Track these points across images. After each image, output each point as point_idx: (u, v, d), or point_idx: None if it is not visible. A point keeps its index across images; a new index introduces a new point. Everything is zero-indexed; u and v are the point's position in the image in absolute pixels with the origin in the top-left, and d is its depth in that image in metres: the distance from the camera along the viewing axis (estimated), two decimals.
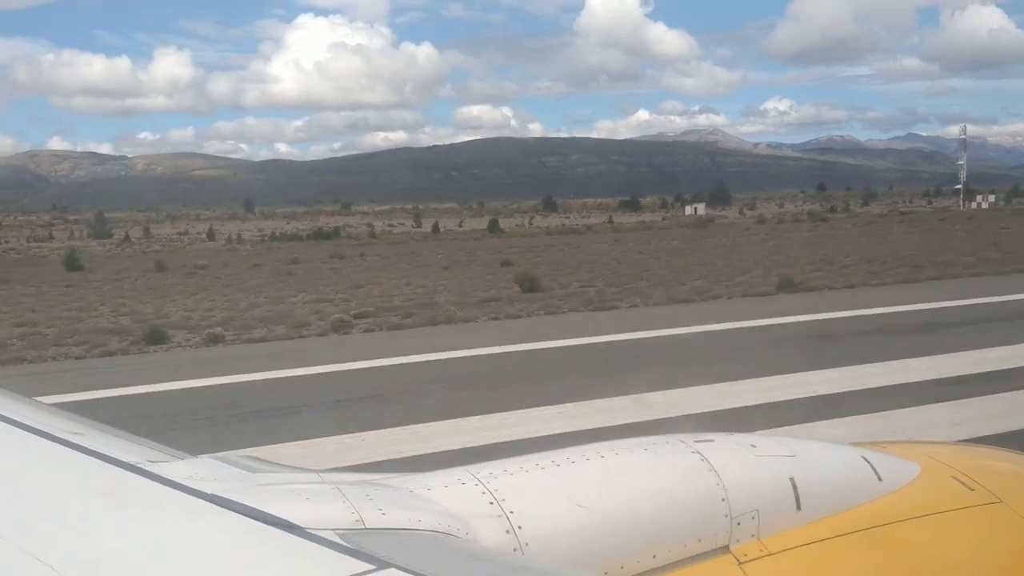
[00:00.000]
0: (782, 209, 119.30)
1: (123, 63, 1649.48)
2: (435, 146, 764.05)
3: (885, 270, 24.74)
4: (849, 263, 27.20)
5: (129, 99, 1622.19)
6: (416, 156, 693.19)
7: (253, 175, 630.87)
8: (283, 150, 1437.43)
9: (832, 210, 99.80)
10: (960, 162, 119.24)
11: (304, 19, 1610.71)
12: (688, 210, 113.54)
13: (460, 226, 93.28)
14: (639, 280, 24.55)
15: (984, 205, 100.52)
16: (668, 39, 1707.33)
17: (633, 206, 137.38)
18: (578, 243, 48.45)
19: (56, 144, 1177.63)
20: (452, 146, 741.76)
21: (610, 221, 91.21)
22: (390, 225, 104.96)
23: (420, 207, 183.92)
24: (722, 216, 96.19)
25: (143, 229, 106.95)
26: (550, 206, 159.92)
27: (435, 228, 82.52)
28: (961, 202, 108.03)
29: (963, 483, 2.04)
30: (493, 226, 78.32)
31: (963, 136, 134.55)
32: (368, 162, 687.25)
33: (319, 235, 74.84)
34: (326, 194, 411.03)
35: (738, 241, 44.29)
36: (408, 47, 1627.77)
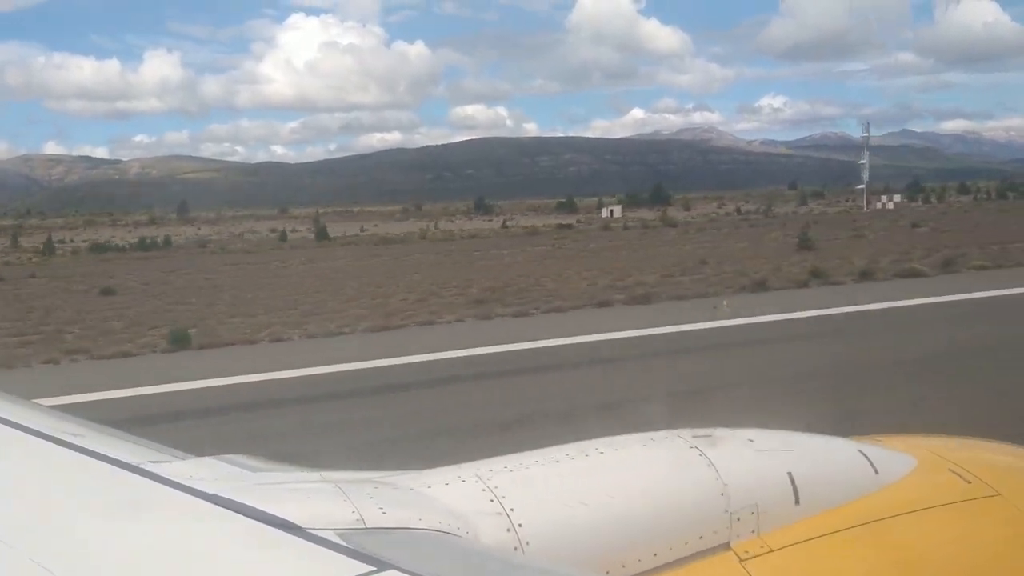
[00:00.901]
0: (720, 209, 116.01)
1: (114, 66, 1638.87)
2: (427, 147, 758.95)
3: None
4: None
5: (122, 102, 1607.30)
6: (409, 157, 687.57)
7: (244, 178, 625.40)
8: (279, 152, 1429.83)
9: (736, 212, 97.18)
10: (862, 161, 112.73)
11: (295, 19, 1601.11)
12: (604, 212, 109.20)
13: (362, 231, 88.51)
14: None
15: (889, 206, 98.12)
16: (661, 35, 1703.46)
17: (570, 207, 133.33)
18: (356, 256, 43.29)
19: (52, 148, 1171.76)
20: (445, 147, 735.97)
21: (504, 226, 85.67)
22: (293, 231, 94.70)
23: (356, 210, 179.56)
24: (637, 219, 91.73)
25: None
26: (481, 208, 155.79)
27: (321, 235, 73.78)
28: (864, 203, 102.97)
29: (960, 476, 2.02)
30: (322, 234, 72.70)
31: (866, 135, 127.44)
32: (361, 163, 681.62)
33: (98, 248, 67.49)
34: (317, 197, 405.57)
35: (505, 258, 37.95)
36: (401, 46, 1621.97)
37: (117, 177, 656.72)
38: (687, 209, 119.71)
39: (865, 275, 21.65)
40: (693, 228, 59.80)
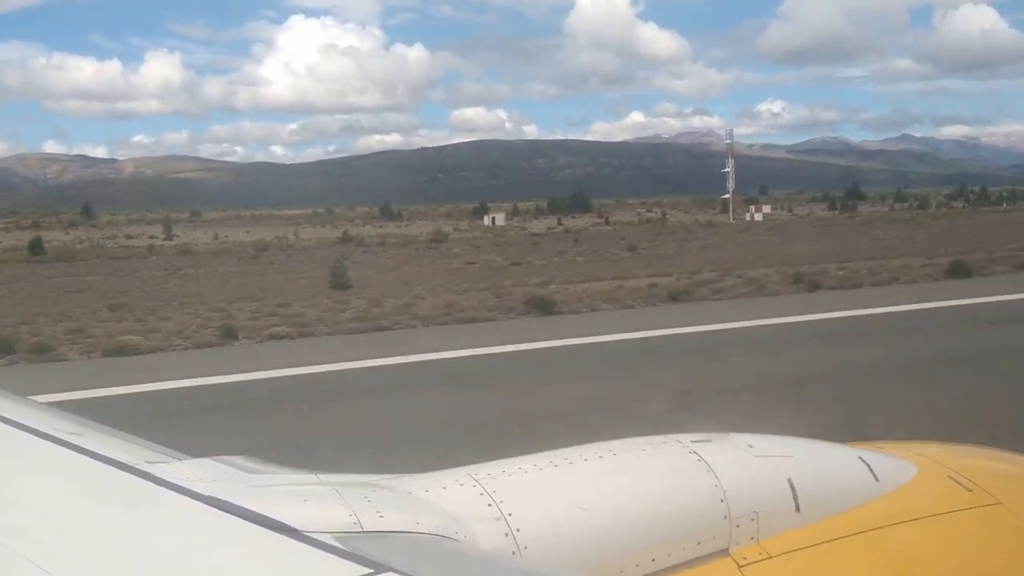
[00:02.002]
0: (638, 215, 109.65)
1: (114, 66, 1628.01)
2: (423, 149, 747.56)
3: None
4: None
5: (122, 102, 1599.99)
6: (403, 159, 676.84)
7: (234, 178, 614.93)
8: (279, 153, 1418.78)
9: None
10: (726, 169, 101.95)
11: (295, 21, 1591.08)
12: (486, 220, 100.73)
13: (216, 239, 77.11)
14: None
15: (757, 217, 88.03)
16: (660, 40, 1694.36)
17: (482, 211, 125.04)
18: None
19: (51, 147, 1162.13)
20: (440, 148, 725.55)
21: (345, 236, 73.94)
22: (151, 237, 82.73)
23: (334, 211, 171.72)
24: (521, 227, 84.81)
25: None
26: (387, 214, 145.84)
27: (35, 248, 54.88)
28: (731, 214, 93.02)
29: (961, 484, 2.00)
30: (35, 247, 55.00)
31: (729, 141, 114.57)
32: (354, 165, 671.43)
33: None
34: (309, 197, 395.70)
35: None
36: (400, 49, 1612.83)
37: (112, 176, 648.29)
38: (600, 216, 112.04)
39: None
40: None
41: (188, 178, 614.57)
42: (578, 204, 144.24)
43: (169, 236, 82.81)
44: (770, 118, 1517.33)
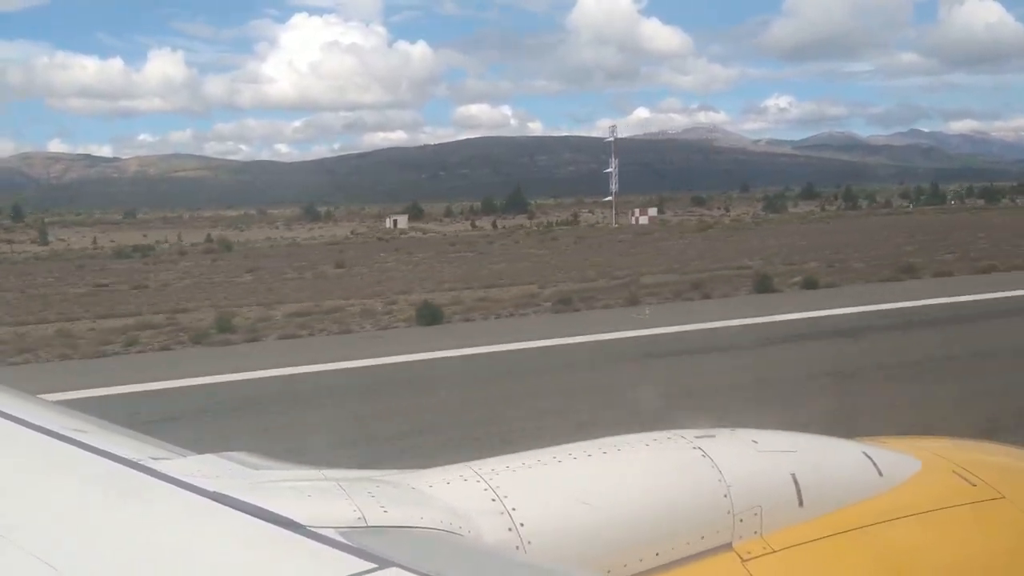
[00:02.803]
0: (588, 216, 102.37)
1: (118, 65, 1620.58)
2: (425, 146, 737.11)
3: None
4: None
5: (126, 101, 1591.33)
6: (405, 156, 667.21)
7: (234, 176, 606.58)
8: (284, 151, 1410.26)
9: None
10: (609, 169, 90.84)
11: (298, 19, 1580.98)
12: (388, 223, 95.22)
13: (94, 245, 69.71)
14: None
15: (642, 220, 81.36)
16: (663, 35, 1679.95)
17: (416, 214, 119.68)
18: None
19: (56, 146, 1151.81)
20: (442, 145, 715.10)
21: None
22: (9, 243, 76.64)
23: (322, 209, 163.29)
24: (420, 230, 79.45)
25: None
26: (312, 214, 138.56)
27: None
28: (614, 217, 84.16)
29: (965, 478, 1.99)
30: None
31: (612, 138, 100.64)
32: (356, 163, 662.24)
33: None
34: (308, 195, 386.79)
35: None
36: (403, 46, 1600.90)
37: (116, 175, 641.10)
38: (531, 218, 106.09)
39: None
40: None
41: (186, 176, 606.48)
42: (514, 204, 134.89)
43: (44, 242, 76.08)
44: (777, 113, 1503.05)
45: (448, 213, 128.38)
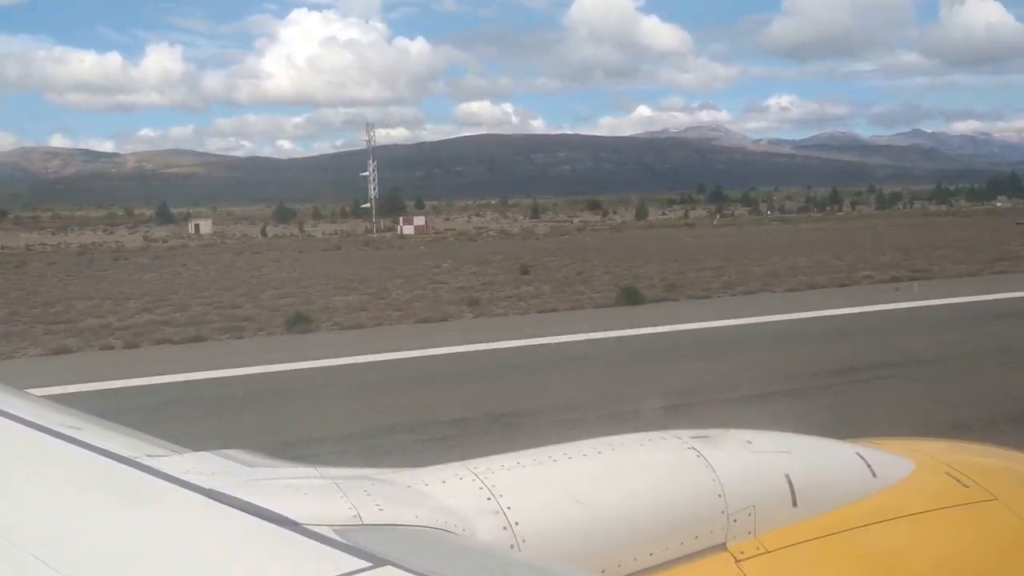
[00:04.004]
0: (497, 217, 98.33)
1: (118, 60, 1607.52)
2: (422, 143, 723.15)
3: None
4: None
5: (124, 96, 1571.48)
6: (402, 154, 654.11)
7: (229, 173, 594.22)
8: (287, 147, 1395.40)
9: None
10: (366, 172, 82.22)
11: (297, 14, 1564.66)
12: (190, 227, 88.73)
13: None
14: None
15: (407, 230, 73.59)
16: (663, 32, 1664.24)
17: (285, 217, 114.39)
18: None
19: (57, 142, 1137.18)
20: (438, 143, 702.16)
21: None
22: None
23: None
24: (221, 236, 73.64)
25: None
26: (164, 216, 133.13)
27: None
28: (373, 226, 75.81)
29: (958, 480, 1.97)
30: None
31: (370, 138, 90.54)
32: (352, 160, 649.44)
33: None
34: (300, 192, 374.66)
35: None
36: (402, 42, 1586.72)
37: (114, 171, 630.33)
38: (398, 224, 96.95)
39: None
40: None
41: (181, 172, 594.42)
42: (393, 206, 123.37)
43: None
44: (779, 112, 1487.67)
45: (316, 215, 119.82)
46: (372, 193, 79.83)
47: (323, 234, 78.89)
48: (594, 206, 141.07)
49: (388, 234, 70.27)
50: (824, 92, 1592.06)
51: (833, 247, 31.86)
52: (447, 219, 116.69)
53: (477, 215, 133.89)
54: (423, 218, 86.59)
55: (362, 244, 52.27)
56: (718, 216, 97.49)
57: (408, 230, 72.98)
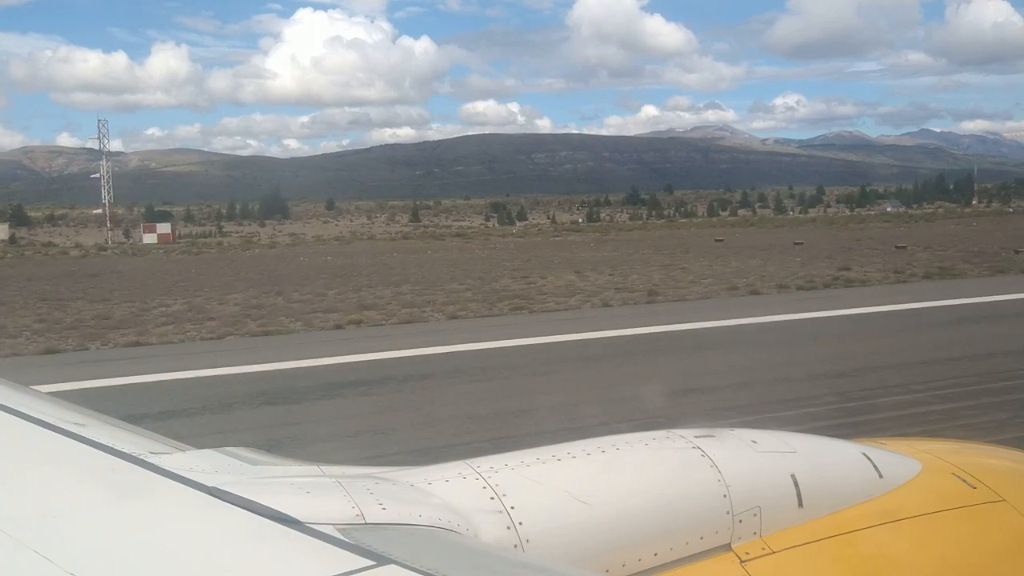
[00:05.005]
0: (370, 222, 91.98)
1: (123, 59, 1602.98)
2: (424, 142, 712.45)
3: None
4: None
5: (130, 95, 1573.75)
6: (403, 153, 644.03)
7: (226, 172, 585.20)
8: (294, 146, 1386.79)
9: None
10: (96, 175, 73.14)
11: (302, 14, 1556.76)
12: None
13: None
14: None
15: (148, 238, 64.81)
16: (667, 32, 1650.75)
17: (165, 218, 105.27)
18: None
19: (65, 140, 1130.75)
20: (439, 143, 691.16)
21: None
22: None
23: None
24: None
25: None
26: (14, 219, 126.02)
27: None
28: (107, 235, 67.91)
29: (965, 481, 1.95)
30: None
31: (98, 137, 79.63)
32: (352, 159, 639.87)
33: None
34: (296, 191, 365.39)
35: None
36: (407, 41, 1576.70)
37: (117, 169, 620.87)
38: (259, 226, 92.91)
39: None
40: None
41: (178, 172, 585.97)
42: (274, 207, 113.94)
43: None
44: (786, 112, 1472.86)
45: (217, 216, 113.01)
46: (105, 198, 70.90)
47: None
48: (498, 208, 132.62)
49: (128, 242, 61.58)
50: (830, 92, 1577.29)
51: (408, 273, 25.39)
52: (301, 224, 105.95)
53: (369, 218, 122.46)
54: (168, 225, 76.98)
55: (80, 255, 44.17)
56: (518, 225, 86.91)
57: (150, 239, 64.65)
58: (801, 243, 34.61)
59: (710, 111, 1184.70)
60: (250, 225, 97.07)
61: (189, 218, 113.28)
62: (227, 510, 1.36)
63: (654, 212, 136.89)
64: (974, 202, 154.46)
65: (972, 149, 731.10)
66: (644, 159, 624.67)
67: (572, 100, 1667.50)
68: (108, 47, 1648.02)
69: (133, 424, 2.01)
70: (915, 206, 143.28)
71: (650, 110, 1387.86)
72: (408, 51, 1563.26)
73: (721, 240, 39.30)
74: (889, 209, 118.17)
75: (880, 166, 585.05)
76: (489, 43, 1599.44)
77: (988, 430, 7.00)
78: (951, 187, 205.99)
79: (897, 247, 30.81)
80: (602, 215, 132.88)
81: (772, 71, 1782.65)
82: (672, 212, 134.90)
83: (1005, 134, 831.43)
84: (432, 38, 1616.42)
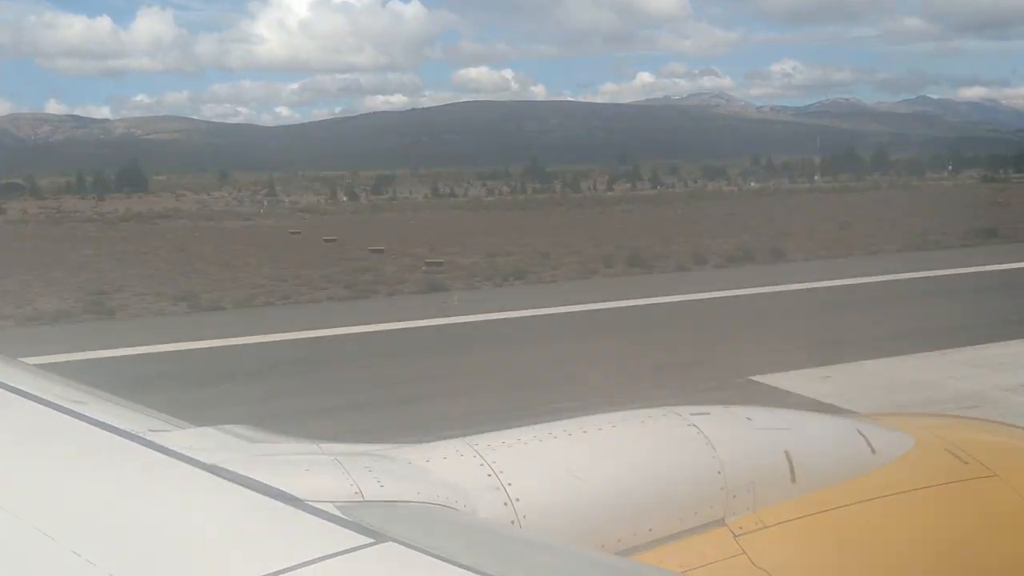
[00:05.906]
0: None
1: (107, 23, 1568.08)
2: (412, 110, 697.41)
3: None
4: None
5: (113, 60, 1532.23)
6: (391, 121, 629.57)
7: (206, 140, 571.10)
8: (285, 114, 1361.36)
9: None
10: None
11: None
12: None
13: None
14: None
15: None
16: None
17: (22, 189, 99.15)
18: None
19: (54, 108, 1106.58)
20: (428, 110, 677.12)
21: None
22: None
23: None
24: None
25: None
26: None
27: None
28: None
29: (957, 456, 1.94)
30: None
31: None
32: (338, 128, 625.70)
33: None
34: (281, 160, 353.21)
35: None
36: (397, 5, 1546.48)
37: (103, 137, 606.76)
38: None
39: None
40: None
41: (160, 139, 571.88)
42: (133, 181, 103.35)
43: None
44: (782, 78, 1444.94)
45: (67, 189, 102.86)
46: None
47: None
48: (380, 184, 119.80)
49: None
50: (827, 58, 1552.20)
51: None
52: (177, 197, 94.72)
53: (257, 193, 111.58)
54: None
55: None
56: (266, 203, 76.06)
57: None
58: (334, 239, 27.83)
59: (706, 77, 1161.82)
60: (107, 199, 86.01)
61: (35, 191, 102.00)
62: (226, 488, 1.34)
63: (534, 187, 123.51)
64: (816, 177, 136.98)
65: (969, 116, 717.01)
66: (637, 127, 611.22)
67: (567, 67, 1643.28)
68: (92, 11, 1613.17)
69: (135, 401, 1.97)
70: (798, 180, 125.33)
71: (645, 76, 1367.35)
72: (398, 15, 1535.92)
73: (333, 239, 28.50)
74: (753, 185, 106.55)
75: (874, 134, 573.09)
76: (481, 6, 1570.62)
77: None
78: (868, 159, 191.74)
79: (327, 240, 24.81)
80: (501, 191, 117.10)
81: (769, 36, 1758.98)
82: (562, 187, 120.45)
83: (1003, 101, 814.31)
84: (422, 2, 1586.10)
